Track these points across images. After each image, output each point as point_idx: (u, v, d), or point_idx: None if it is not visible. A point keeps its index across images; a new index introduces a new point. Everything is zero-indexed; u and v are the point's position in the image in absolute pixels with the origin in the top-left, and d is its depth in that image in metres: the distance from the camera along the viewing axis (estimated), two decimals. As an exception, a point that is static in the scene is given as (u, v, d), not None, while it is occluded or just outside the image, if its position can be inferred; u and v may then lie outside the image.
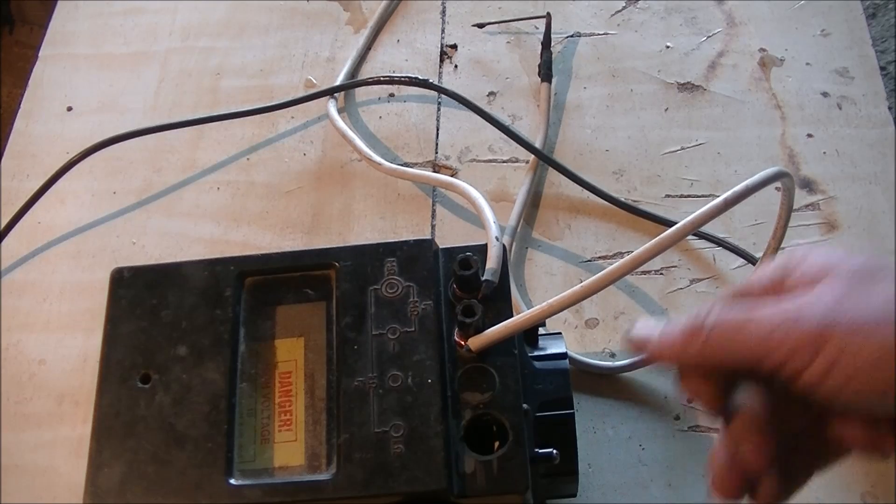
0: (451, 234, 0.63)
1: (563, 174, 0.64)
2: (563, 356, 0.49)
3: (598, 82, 0.69)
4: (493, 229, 0.49)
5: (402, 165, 0.65)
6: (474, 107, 0.66)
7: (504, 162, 0.66)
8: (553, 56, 0.69)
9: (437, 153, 0.67)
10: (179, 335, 0.47)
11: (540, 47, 0.69)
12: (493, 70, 0.71)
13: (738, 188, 0.42)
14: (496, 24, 0.72)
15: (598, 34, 0.72)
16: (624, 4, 0.73)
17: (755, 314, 0.34)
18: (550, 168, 0.65)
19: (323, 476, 0.43)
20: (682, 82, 0.69)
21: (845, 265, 0.33)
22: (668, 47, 0.70)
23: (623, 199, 0.63)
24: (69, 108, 0.71)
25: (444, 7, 0.74)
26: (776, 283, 0.36)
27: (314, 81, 0.71)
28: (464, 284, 0.46)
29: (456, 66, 0.71)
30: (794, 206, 0.50)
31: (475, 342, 0.45)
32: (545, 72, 0.68)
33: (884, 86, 0.67)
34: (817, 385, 0.32)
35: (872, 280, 0.33)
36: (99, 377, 0.46)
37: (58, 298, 0.62)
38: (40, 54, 0.74)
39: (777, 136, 0.66)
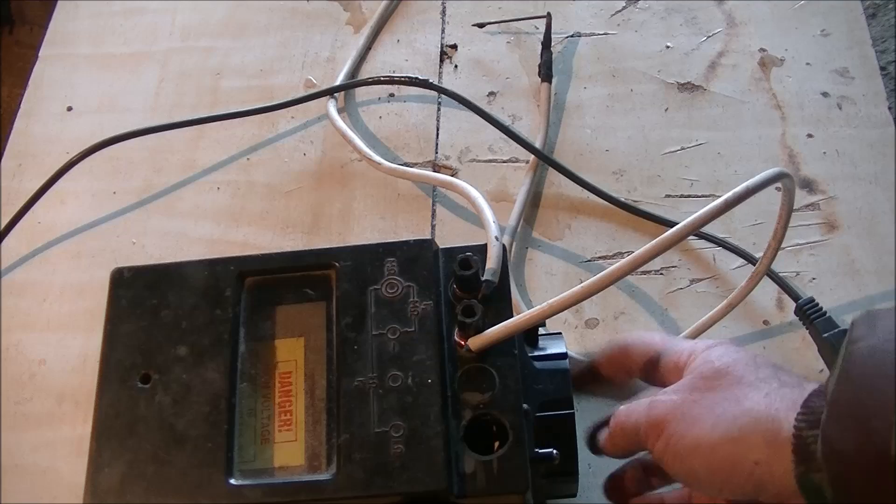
0: (451, 234, 0.63)
1: (563, 174, 0.64)
2: (564, 356, 0.49)
3: (598, 82, 0.69)
4: (493, 229, 0.49)
5: (402, 165, 0.65)
6: (474, 107, 0.66)
7: (504, 162, 0.66)
8: (553, 56, 0.69)
9: (437, 153, 0.67)
10: (179, 335, 0.47)
11: (540, 47, 0.69)
12: (493, 70, 0.71)
13: (738, 189, 0.42)
14: (496, 24, 0.72)
15: (598, 34, 0.72)
16: (624, 4, 0.73)
17: (631, 408, 0.44)
18: (550, 168, 0.65)
19: (323, 476, 0.43)
20: (682, 82, 0.69)
21: (699, 369, 0.42)
22: (668, 47, 0.70)
23: (623, 199, 0.63)
24: (69, 108, 0.71)
25: (444, 7, 0.74)
26: (653, 360, 0.46)
27: (314, 81, 0.71)
28: (464, 284, 0.46)
29: (456, 66, 0.71)
30: (794, 207, 0.50)
31: (475, 342, 0.45)
32: (545, 72, 0.68)
33: (884, 86, 0.67)
34: (661, 460, 0.42)
35: (710, 387, 0.41)
36: (99, 377, 0.46)
37: (58, 298, 0.62)
38: (40, 54, 0.74)
39: (777, 136, 0.66)
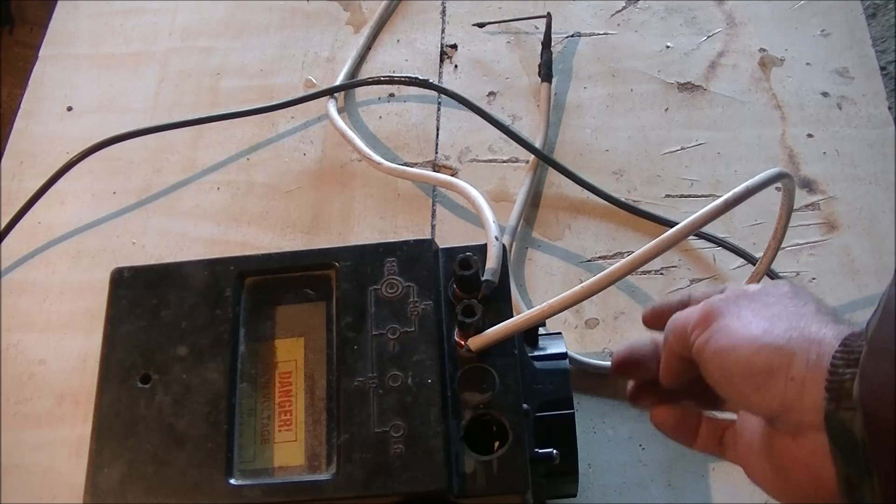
0: (451, 234, 0.63)
1: (563, 174, 0.64)
2: (563, 356, 0.49)
3: (598, 82, 0.69)
4: (493, 229, 0.49)
5: (402, 165, 0.65)
6: (474, 107, 0.66)
7: (504, 162, 0.66)
8: (553, 56, 0.69)
9: (437, 153, 0.67)
10: (179, 335, 0.47)
11: (540, 47, 0.69)
12: (493, 70, 0.71)
13: (738, 189, 0.42)
14: (496, 24, 0.72)
15: (598, 34, 0.72)
16: (624, 4, 0.73)
17: (687, 309, 0.43)
18: (550, 168, 0.65)
19: (323, 476, 0.43)
20: (682, 82, 0.69)
21: (765, 289, 0.42)
22: (668, 47, 0.70)
23: (623, 199, 0.63)
24: (69, 108, 0.71)
25: (444, 7, 0.74)
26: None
27: (314, 81, 0.71)
28: (464, 284, 0.46)
29: (456, 66, 0.71)
30: (795, 206, 0.50)
31: (475, 342, 0.45)
32: (545, 72, 0.68)
33: (884, 86, 0.67)
34: (699, 354, 0.40)
35: (769, 304, 0.40)
36: (99, 377, 0.46)
37: (58, 298, 0.62)
38: (40, 54, 0.74)
39: (777, 136, 0.66)
